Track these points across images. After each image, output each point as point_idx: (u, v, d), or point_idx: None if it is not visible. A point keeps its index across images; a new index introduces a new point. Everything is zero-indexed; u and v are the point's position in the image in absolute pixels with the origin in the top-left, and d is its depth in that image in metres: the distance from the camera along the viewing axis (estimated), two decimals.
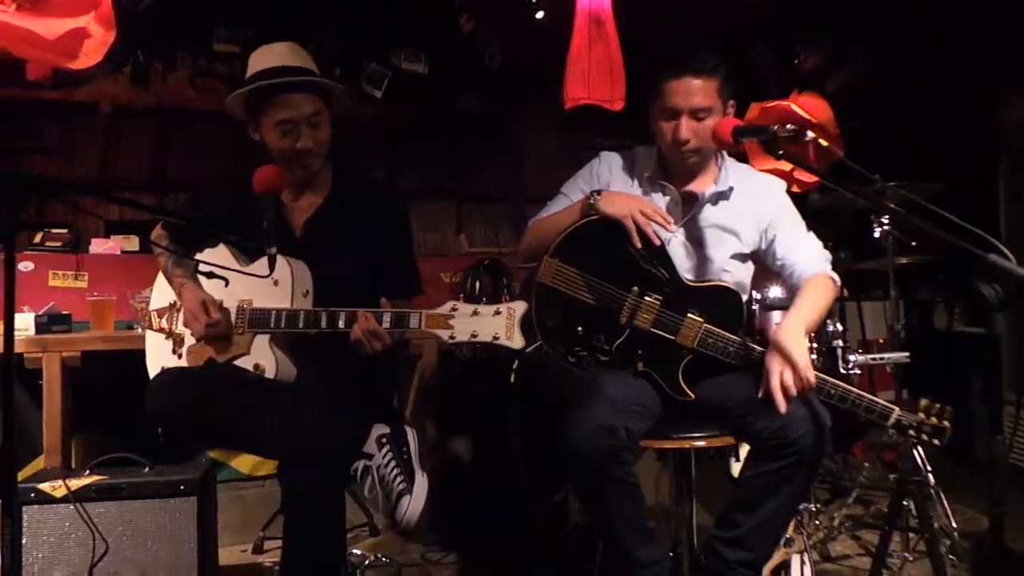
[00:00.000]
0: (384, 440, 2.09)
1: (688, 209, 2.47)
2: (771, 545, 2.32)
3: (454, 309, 2.01)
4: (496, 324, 1.98)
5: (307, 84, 2.27)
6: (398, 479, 2.03)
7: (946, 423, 2.21)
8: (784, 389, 2.10)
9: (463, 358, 3.60)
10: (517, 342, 1.97)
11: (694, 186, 2.49)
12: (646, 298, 2.30)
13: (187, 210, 2.80)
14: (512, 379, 3.00)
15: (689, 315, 2.29)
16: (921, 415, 2.22)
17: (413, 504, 2.01)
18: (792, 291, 2.45)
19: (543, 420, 2.99)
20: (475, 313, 1.99)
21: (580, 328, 2.32)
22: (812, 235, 2.52)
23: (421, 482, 2.05)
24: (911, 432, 2.21)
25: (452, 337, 2.00)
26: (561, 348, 2.32)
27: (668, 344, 2.29)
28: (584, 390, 2.15)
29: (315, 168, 2.36)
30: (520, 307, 1.99)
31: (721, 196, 2.49)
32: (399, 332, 2.13)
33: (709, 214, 2.48)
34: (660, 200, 2.48)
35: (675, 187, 2.48)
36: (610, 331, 2.30)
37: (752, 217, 2.49)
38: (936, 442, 2.22)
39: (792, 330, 2.20)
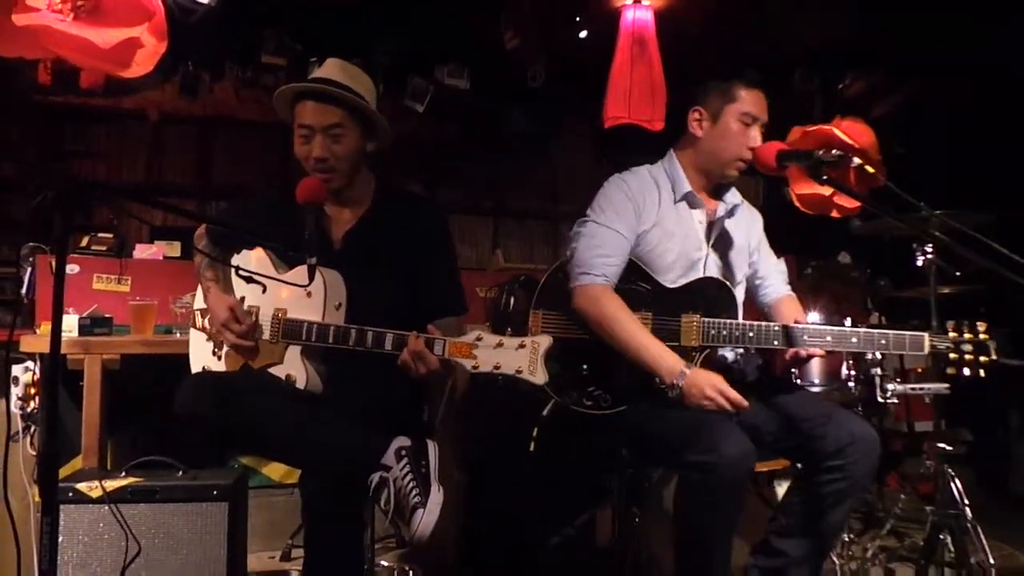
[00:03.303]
0: (403, 453, 2.07)
1: (714, 225, 2.49)
2: (812, 574, 2.29)
3: (479, 339, 1.99)
4: (520, 358, 1.95)
5: (331, 96, 2.29)
6: (413, 492, 2.01)
7: (984, 336, 2.14)
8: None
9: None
10: (540, 377, 1.95)
11: (714, 202, 2.52)
12: (636, 315, 2.31)
13: (229, 216, 2.83)
14: (532, 447, 3.01)
15: (683, 317, 2.31)
16: (953, 334, 2.17)
17: (426, 518, 1.98)
18: (759, 303, 2.65)
19: (568, 448, 2.98)
20: (499, 345, 1.97)
21: (585, 367, 2.34)
22: (780, 259, 2.68)
23: (436, 497, 2.02)
24: (952, 356, 2.15)
25: (475, 367, 1.98)
26: (573, 394, 2.34)
27: (675, 351, 2.28)
28: (707, 414, 2.16)
29: (336, 182, 2.34)
30: (545, 342, 1.95)
31: (731, 212, 2.52)
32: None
33: (729, 228, 2.51)
34: (698, 215, 2.48)
35: (705, 202, 2.50)
36: (614, 359, 2.29)
37: (753, 235, 2.60)
38: (984, 359, 2.14)
39: None
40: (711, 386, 2.16)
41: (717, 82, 2.44)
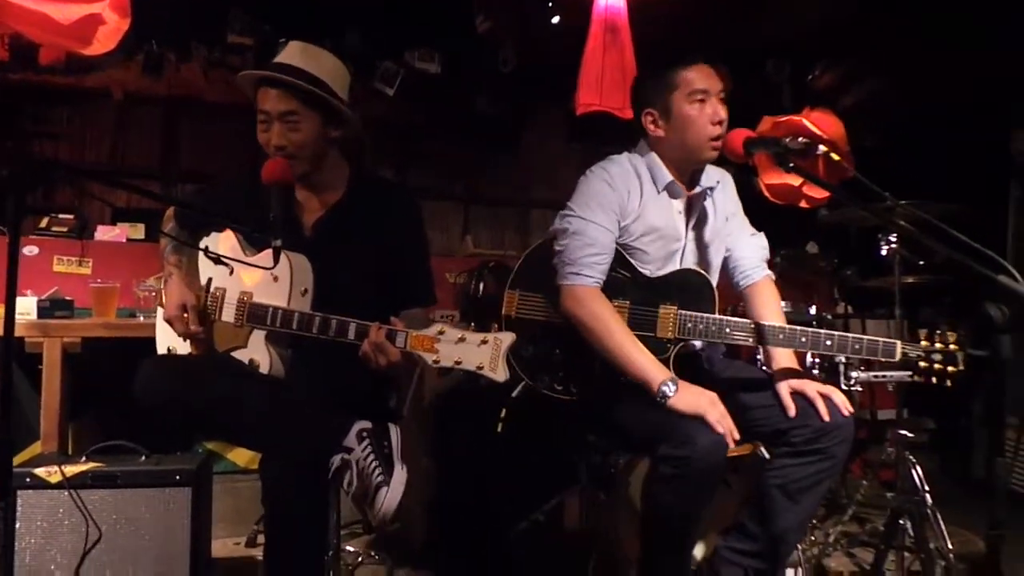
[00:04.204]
0: (365, 435, 2.07)
1: (692, 210, 2.46)
2: (785, 556, 2.31)
3: (441, 332, 1.97)
4: (481, 354, 1.94)
5: (287, 83, 2.25)
6: (376, 472, 2.01)
7: (954, 347, 2.14)
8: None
9: None
10: (500, 374, 1.94)
11: (693, 190, 2.45)
12: (613, 303, 2.30)
13: (198, 199, 2.79)
14: (499, 428, 3.00)
15: (661, 307, 2.30)
16: (925, 343, 2.17)
17: (390, 496, 1.98)
18: (735, 284, 2.54)
19: (536, 432, 2.97)
20: (462, 339, 1.95)
21: (558, 351, 2.33)
22: (760, 233, 2.60)
23: (399, 475, 2.02)
24: (923, 364, 2.16)
25: (436, 361, 1.97)
26: (545, 378, 2.33)
27: (650, 342, 2.27)
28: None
29: (299, 168, 2.30)
30: (507, 338, 1.94)
31: (706, 195, 2.47)
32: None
33: (707, 210, 2.48)
34: (677, 205, 2.44)
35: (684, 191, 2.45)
36: (588, 345, 2.27)
37: (728, 205, 2.54)
38: (951, 368, 2.14)
39: (793, 359, 2.33)
40: (711, 402, 2.11)
41: (654, 77, 2.36)
